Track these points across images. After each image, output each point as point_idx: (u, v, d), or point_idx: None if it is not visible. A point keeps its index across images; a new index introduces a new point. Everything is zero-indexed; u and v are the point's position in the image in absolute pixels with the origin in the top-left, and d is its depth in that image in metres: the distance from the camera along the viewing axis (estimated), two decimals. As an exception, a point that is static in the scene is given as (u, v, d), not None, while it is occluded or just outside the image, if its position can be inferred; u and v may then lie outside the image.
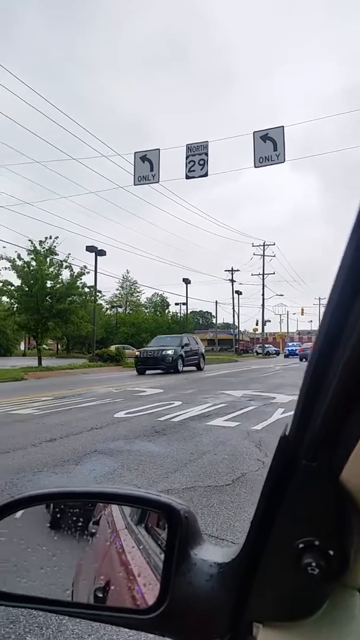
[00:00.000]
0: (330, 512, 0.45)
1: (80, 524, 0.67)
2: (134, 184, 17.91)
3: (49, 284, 26.11)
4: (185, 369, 22.51)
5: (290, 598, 0.49)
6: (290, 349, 57.41)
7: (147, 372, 21.39)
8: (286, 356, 54.15)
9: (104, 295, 51.54)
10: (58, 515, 0.68)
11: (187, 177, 17.05)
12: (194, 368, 23.67)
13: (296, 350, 53.18)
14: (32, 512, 0.66)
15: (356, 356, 0.35)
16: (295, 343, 64.67)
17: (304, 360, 33.69)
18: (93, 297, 29.92)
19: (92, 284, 29.86)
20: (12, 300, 26.94)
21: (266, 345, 62.58)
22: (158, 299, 76.46)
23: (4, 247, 37.93)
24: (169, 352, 21.47)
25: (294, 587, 0.48)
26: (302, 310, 78.82)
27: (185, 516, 0.57)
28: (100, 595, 0.63)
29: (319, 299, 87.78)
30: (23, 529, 0.65)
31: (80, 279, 27.15)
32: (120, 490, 0.64)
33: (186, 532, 0.57)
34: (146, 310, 71.99)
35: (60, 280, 26.59)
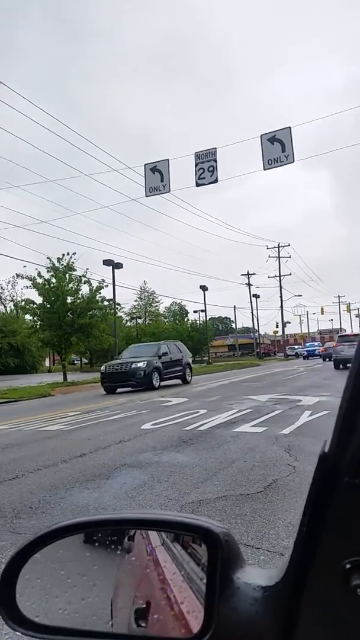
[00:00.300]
0: None
1: (115, 538, 0.66)
2: (146, 196, 18.04)
3: (69, 299, 26.41)
4: (166, 383, 18.99)
5: (340, 621, 0.48)
6: (308, 349, 53.36)
7: (118, 390, 17.80)
8: (305, 358, 50.64)
9: (123, 308, 51.93)
10: (92, 534, 0.67)
11: (198, 185, 17.10)
12: (178, 381, 19.99)
13: (316, 350, 50.19)
14: (70, 538, 0.66)
15: None
16: (315, 343, 59.33)
17: (327, 360, 33.09)
18: (113, 310, 30.12)
19: (111, 297, 30.08)
20: (35, 318, 27.35)
21: (295, 347, 59.90)
22: (176, 307, 76.59)
23: (25, 266, 38.52)
24: (140, 364, 17.42)
25: (343, 610, 0.46)
26: (322, 309, 77.85)
27: (225, 539, 0.56)
28: (143, 624, 0.63)
29: (339, 297, 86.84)
30: (62, 558, 0.65)
31: (99, 293, 27.43)
32: (158, 515, 0.63)
33: (227, 556, 0.56)
34: (165, 320, 72.15)
35: (80, 296, 26.89)
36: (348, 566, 0.45)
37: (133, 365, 17.45)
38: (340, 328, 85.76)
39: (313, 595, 0.48)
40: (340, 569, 0.45)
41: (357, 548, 0.44)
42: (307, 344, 59.06)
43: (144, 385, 17.23)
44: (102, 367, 18.87)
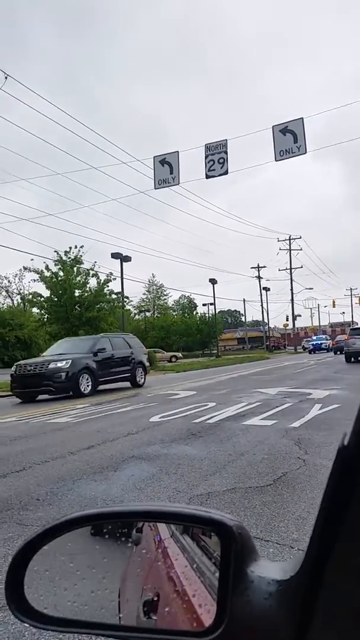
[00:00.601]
0: None
1: (124, 531, 0.65)
2: (155, 188, 18.00)
3: (77, 292, 26.59)
4: (109, 387, 15.56)
5: (357, 616, 0.46)
6: (314, 342, 48.95)
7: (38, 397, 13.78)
8: (310, 352, 46.52)
9: (131, 301, 52.15)
10: (101, 526, 0.66)
11: (207, 177, 17.01)
12: (127, 384, 16.12)
13: (322, 344, 47.20)
14: (79, 531, 0.64)
15: None
16: (322, 336, 54.71)
17: (338, 353, 32.95)
18: (121, 303, 30.23)
19: (119, 290, 30.16)
20: (42, 311, 27.57)
21: (314, 338, 53.88)
22: (185, 301, 76.69)
23: (32, 259, 38.84)
24: (61, 364, 13.33)
25: None
26: (334, 302, 77.39)
27: (239, 532, 0.54)
28: (154, 616, 0.61)
29: (351, 289, 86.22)
30: (70, 551, 0.64)
31: (107, 286, 27.55)
32: (169, 507, 0.61)
33: (241, 549, 0.54)
34: (174, 313, 72.27)
35: (87, 289, 27.06)
36: None
37: (51, 366, 13.27)
38: (352, 321, 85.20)
39: (329, 590, 0.47)
40: (357, 564, 0.43)
41: None
42: (315, 337, 54.45)
43: (67, 391, 13.40)
44: (13, 368, 14.29)
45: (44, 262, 26.41)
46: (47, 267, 26.18)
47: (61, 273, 26.35)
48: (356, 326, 31.26)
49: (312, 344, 48.58)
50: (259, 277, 58.56)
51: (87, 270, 26.97)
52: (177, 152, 17.57)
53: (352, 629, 0.47)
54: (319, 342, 49.19)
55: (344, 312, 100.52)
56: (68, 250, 26.51)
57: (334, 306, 78.47)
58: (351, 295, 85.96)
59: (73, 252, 26.49)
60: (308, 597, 0.48)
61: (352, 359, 21.93)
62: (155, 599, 0.63)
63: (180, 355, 44.99)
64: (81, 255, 26.55)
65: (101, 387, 15.01)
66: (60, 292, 25.95)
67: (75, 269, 26.66)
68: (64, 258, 26.42)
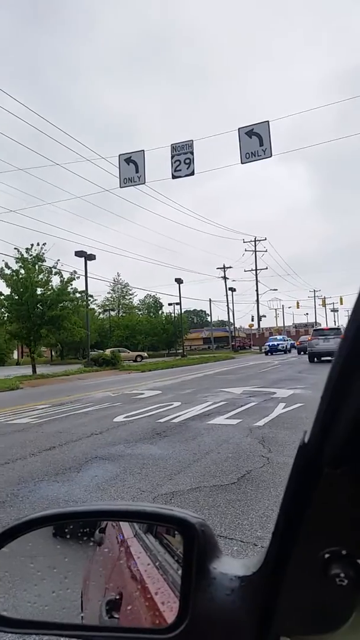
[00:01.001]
0: (357, 520, 0.43)
1: (86, 530, 0.64)
2: (120, 187, 17.85)
3: (39, 291, 26.02)
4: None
5: (318, 610, 0.47)
6: (270, 343, 43.33)
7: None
8: (267, 353, 41.72)
9: (95, 300, 51.65)
10: (63, 526, 0.65)
11: (174, 177, 17.02)
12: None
13: (279, 345, 42.17)
14: (38, 531, 0.63)
15: None
16: (279, 337, 47.91)
17: (302, 353, 33.63)
18: (85, 302, 29.84)
19: (83, 288, 29.80)
20: (2, 310, 26.81)
21: (270, 338, 47.58)
22: (151, 300, 76.53)
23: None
24: None
25: (321, 599, 0.46)
26: (298, 303, 79.13)
27: (201, 530, 0.54)
28: (115, 615, 0.60)
29: (314, 291, 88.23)
30: (31, 552, 0.62)
31: (71, 285, 27.10)
32: (131, 506, 0.61)
33: (204, 546, 0.54)
34: (139, 312, 72.04)
35: (50, 287, 26.52)
36: (327, 556, 0.44)
37: None
38: (316, 322, 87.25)
39: (291, 584, 0.48)
40: (318, 558, 0.45)
41: (336, 538, 0.44)
42: (271, 337, 48.13)
43: None
44: None
45: (4, 260, 25.77)
46: (7, 265, 25.54)
47: (22, 271, 25.76)
48: (319, 327, 32.00)
49: (268, 345, 43.26)
50: (224, 278, 59.13)
51: (50, 268, 26.49)
52: (143, 151, 17.50)
53: (311, 623, 0.47)
54: (275, 343, 43.55)
55: (307, 313, 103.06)
56: (30, 247, 25.97)
57: (298, 307, 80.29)
58: (314, 296, 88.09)
59: (35, 250, 25.97)
60: (269, 593, 0.49)
61: (315, 359, 22.44)
62: (118, 597, 0.62)
63: (146, 354, 44.87)
64: (43, 253, 26.05)
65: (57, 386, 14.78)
66: (22, 290, 25.34)
67: (37, 266, 26.12)
68: (25, 255, 25.86)
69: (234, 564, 0.54)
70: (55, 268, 26.46)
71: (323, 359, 22.12)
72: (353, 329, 0.34)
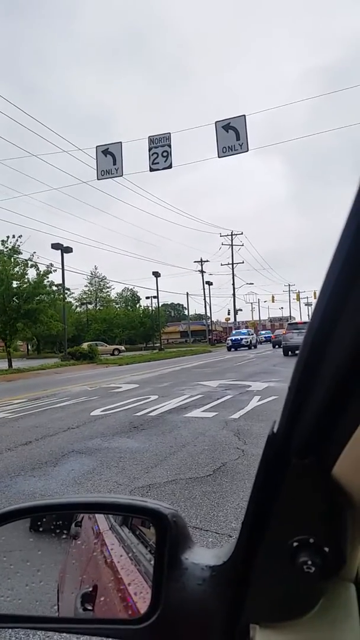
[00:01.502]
0: (324, 509, 0.44)
1: (61, 523, 0.65)
2: (97, 179, 17.68)
3: (15, 284, 25.57)
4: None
5: (286, 598, 0.48)
6: (233, 338, 38.78)
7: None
8: (229, 349, 37.06)
9: (72, 293, 50.94)
10: (38, 520, 0.65)
11: (151, 170, 16.93)
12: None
13: (242, 340, 37.34)
14: (13, 525, 0.63)
15: (352, 348, 0.33)
16: (243, 331, 42.40)
17: (276, 347, 33.96)
18: (61, 295, 29.48)
19: (60, 282, 29.44)
20: (-23, 303, 26.27)
21: (233, 332, 42.47)
22: (128, 293, 76.18)
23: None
24: None
25: (289, 586, 0.47)
26: (273, 297, 79.90)
27: (174, 520, 0.55)
28: (89, 607, 0.61)
29: (289, 285, 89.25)
30: (5, 545, 0.63)
31: (47, 278, 26.72)
32: (105, 498, 0.62)
33: (176, 537, 0.55)
34: (117, 306, 71.61)
35: (26, 280, 26.09)
36: (295, 544, 0.46)
37: None
38: (290, 316, 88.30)
39: (260, 573, 0.49)
40: (287, 547, 0.46)
41: (304, 527, 0.45)
42: (234, 332, 42.62)
43: None
44: None
45: (-22, 253, 25.18)
46: (-19, 257, 25.03)
47: (-2, 264, 25.29)
48: (293, 321, 32.34)
49: (231, 340, 38.64)
50: (202, 272, 59.27)
51: (26, 261, 26.06)
52: (120, 142, 17.34)
53: (280, 610, 0.49)
54: (238, 337, 38.73)
55: (282, 307, 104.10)
56: (5, 239, 25.49)
57: (273, 301, 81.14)
58: (289, 291, 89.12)
59: (10, 242, 25.50)
60: (240, 581, 0.50)
61: (290, 352, 22.74)
62: (92, 590, 0.63)
63: (123, 348, 44.68)
64: (19, 245, 25.60)
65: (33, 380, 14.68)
66: (-3, 283, 24.91)
67: (12, 259, 25.66)
68: (1, 248, 25.39)
69: (205, 554, 0.56)
70: (31, 261, 26.06)
71: (297, 352, 22.37)
72: (316, 321, 0.35)
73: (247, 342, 37.82)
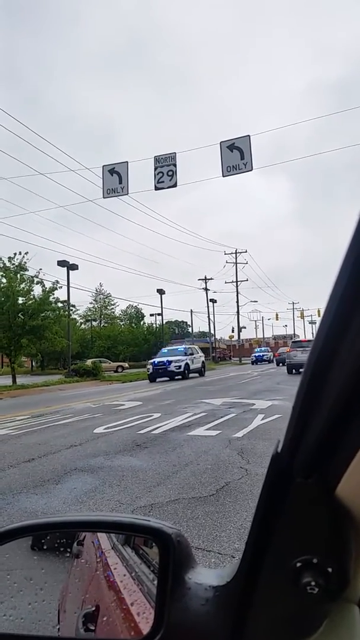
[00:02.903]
0: (327, 529, 0.44)
1: (63, 542, 0.64)
2: (103, 197, 17.88)
3: (20, 300, 25.74)
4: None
5: (289, 619, 0.48)
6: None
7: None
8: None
9: (77, 310, 51.23)
10: (41, 538, 0.65)
11: (157, 189, 17.12)
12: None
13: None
14: (16, 543, 0.63)
15: (356, 368, 0.34)
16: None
17: (280, 365, 33.82)
18: (66, 312, 29.59)
19: (65, 298, 29.59)
20: (-17, 319, 26.40)
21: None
22: (133, 310, 76.35)
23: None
24: None
25: (293, 607, 0.47)
26: (277, 315, 79.74)
27: (177, 540, 0.55)
28: (91, 627, 0.61)
29: (293, 303, 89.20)
30: (7, 563, 0.62)
31: (53, 294, 26.88)
32: (108, 517, 0.62)
33: (179, 557, 0.55)
34: (121, 323, 71.71)
35: (32, 297, 26.26)
36: (298, 564, 0.45)
37: None
38: (294, 334, 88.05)
39: (264, 594, 0.48)
40: (290, 567, 0.45)
41: (308, 547, 0.45)
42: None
43: None
44: None
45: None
46: (-12, 273, 25.25)
47: (4, 280, 25.50)
48: (297, 339, 32.31)
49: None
50: (206, 289, 59.37)
51: (32, 277, 26.26)
52: (127, 162, 17.59)
53: (283, 632, 0.49)
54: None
55: (286, 325, 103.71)
56: (12, 256, 25.73)
57: (277, 319, 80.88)
58: (293, 309, 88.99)
59: (17, 259, 25.74)
60: (243, 602, 0.50)
61: (294, 370, 22.61)
62: (95, 609, 0.63)
63: (127, 365, 44.62)
64: (26, 262, 25.85)
65: (37, 397, 14.76)
66: (3, 299, 25.06)
67: (19, 275, 25.88)
68: (7, 264, 25.62)
69: (208, 574, 0.55)
70: (37, 277, 26.27)
71: (302, 370, 22.21)
72: (320, 341, 0.36)
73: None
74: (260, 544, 0.47)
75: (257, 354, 53.39)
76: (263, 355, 52.33)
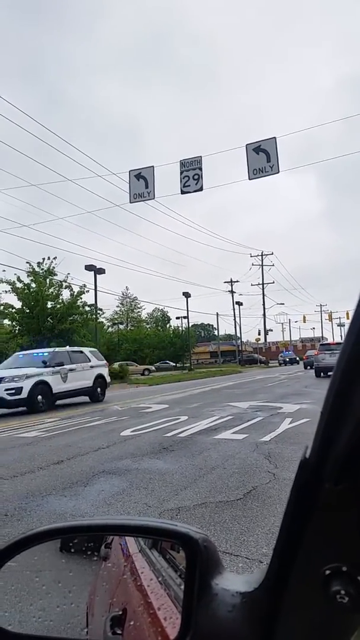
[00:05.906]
0: (357, 536, 0.43)
1: (91, 545, 0.65)
2: (130, 202, 18.03)
3: (49, 304, 26.22)
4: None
5: (318, 628, 0.47)
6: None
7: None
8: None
9: (104, 313, 51.62)
10: (69, 540, 0.66)
11: (183, 193, 17.15)
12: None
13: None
14: (45, 545, 0.64)
15: None
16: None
17: (308, 367, 33.35)
18: (94, 316, 29.95)
19: (93, 302, 29.94)
20: (13, 323, 27.02)
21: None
22: (159, 314, 76.57)
23: (4, 270, 38.02)
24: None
25: (322, 616, 0.46)
26: (304, 317, 78.59)
27: (204, 545, 0.55)
28: (119, 631, 0.61)
29: (320, 305, 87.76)
30: (37, 565, 0.63)
31: (81, 298, 27.26)
32: (135, 521, 0.62)
33: (206, 562, 0.55)
34: (147, 326, 72.04)
35: (60, 301, 26.72)
36: (327, 572, 0.44)
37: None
38: (322, 337, 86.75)
39: (292, 601, 0.48)
40: (320, 575, 0.45)
41: (337, 554, 0.44)
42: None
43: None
44: None
45: (15, 274, 26.00)
46: (19, 279, 25.83)
47: (33, 284, 26.01)
48: (325, 342, 31.81)
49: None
50: (232, 292, 59.07)
51: (60, 282, 26.72)
52: (153, 166, 17.69)
53: (309, 639, 0.48)
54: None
55: (314, 328, 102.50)
56: (41, 261, 26.25)
57: (304, 321, 79.72)
58: (321, 311, 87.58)
59: (46, 264, 26.24)
60: (271, 609, 0.49)
61: (322, 373, 22.25)
62: (122, 613, 0.63)
63: (153, 368, 44.76)
64: (54, 267, 26.32)
65: (70, 400, 14.97)
66: (32, 303, 25.57)
67: (48, 280, 26.37)
68: (37, 269, 26.14)
69: (236, 580, 0.55)
70: (65, 282, 26.71)
71: (330, 373, 21.87)
72: (349, 344, 0.35)
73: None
74: (288, 551, 0.47)
75: (286, 357, 59.43)
76: (292, 358, 58.41)
